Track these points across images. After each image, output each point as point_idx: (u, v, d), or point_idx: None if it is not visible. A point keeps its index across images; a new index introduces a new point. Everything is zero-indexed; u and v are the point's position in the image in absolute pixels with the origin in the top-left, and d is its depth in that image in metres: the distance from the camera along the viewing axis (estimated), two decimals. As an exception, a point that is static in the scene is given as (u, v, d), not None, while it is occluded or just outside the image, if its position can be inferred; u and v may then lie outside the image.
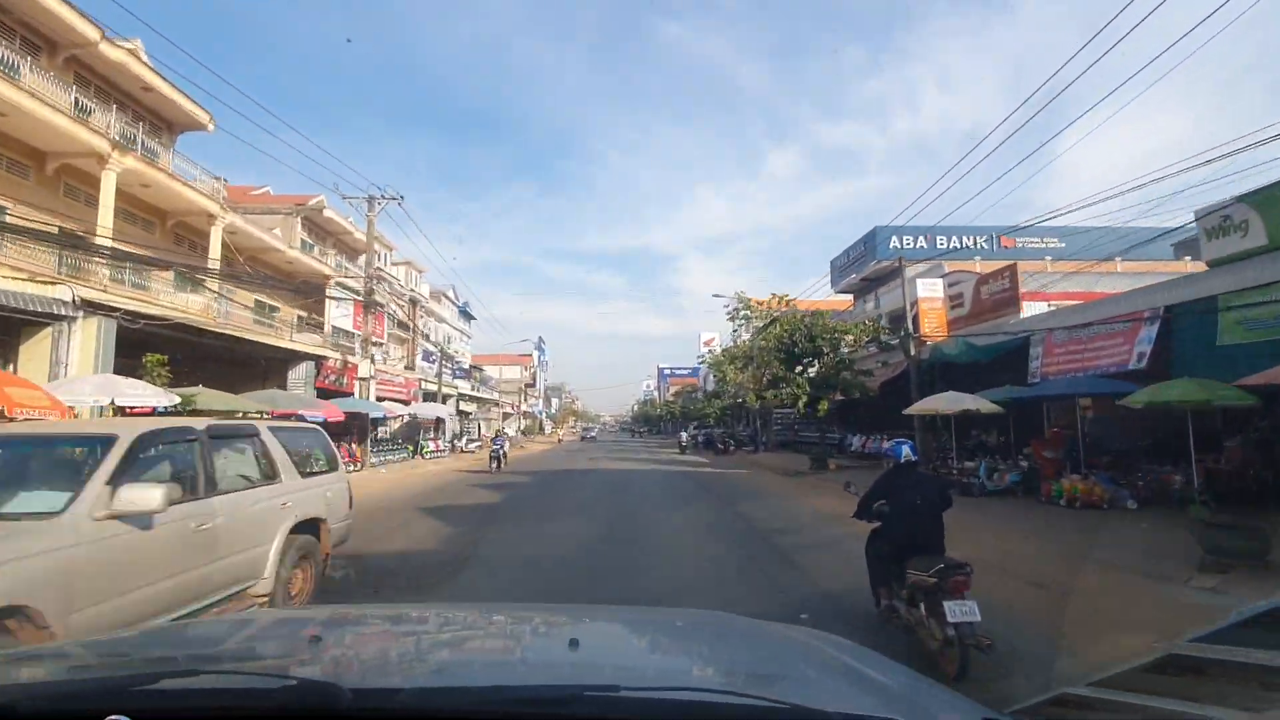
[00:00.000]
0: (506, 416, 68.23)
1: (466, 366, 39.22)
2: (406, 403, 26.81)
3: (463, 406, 40.99)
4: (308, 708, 1.08)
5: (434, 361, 30.99)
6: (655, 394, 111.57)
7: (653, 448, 47.30)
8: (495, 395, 48.49)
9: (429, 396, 29.89)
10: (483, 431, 42.39)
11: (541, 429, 74.75)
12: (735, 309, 28.97)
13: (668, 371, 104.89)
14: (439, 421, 29.68)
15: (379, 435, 27.48)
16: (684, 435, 41.27)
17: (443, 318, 58.07)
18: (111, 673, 1.46)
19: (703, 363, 39.01)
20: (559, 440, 53.55)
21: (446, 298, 61.21)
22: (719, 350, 39.97)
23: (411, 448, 25.69)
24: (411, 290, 49.37)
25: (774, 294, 28.19)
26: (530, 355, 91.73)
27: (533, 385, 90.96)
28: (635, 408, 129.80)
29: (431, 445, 27.13)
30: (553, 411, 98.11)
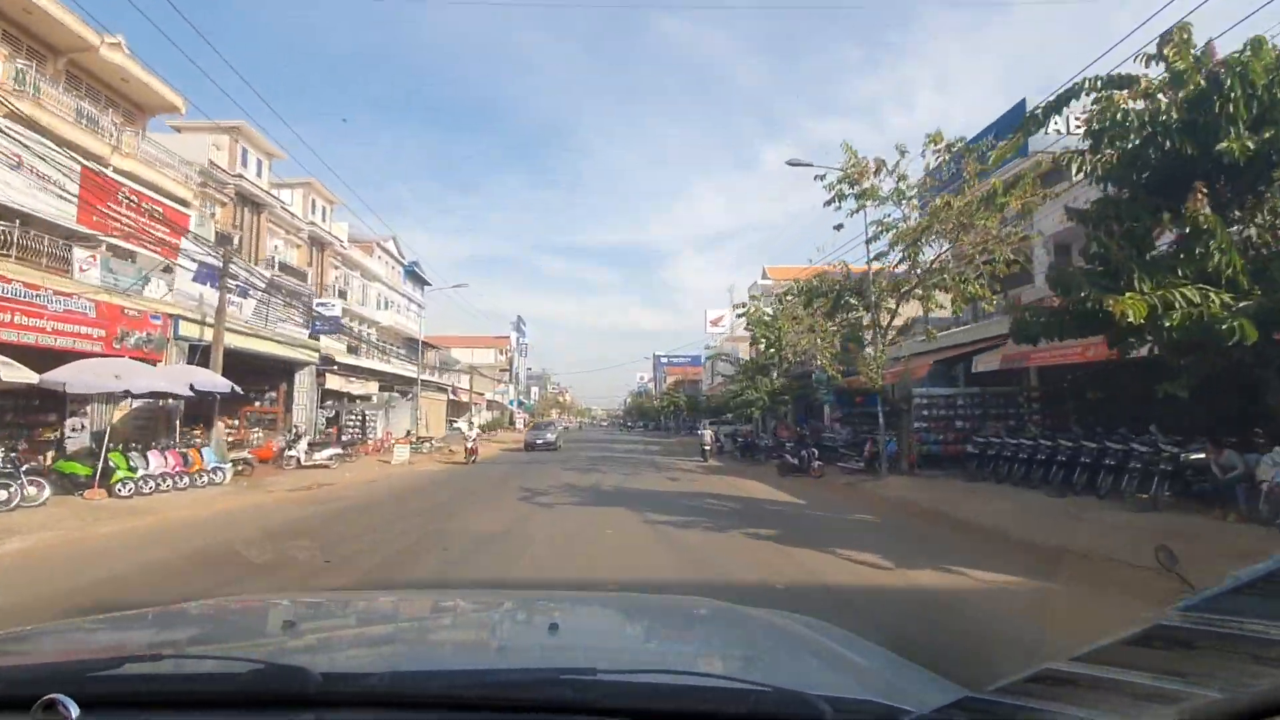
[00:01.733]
0: (460, 409, 52.59)
1: (335, 314, 23.31)
2: (74, 356, 11.23)
3: (345, 386, 25.49)
4: (274, 691, 1.04)
5: (219, 284, 15.07)
6: (651, 385, 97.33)
7: (655, 453, 31.59)
8: (415, 372, 32.35)
9: (202, 354, 14.37)
10: (383, 429, 26.59)
11: (512, 423, 59.41)
12: (846, 172, 13.73)
13: (665, 360, 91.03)
14: (212, 405, 14.14)
15: (61, 435, 12.02)
16: (707, 434, 26.20)
17: (375, 274, 42.74)
18: (72, 657, 1.37)
19: (742, 314, 23.73)
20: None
21: (384, 249, 45.55)
22: (760, 301, 24.59)
23: (85, 468, 10.39)
24: (312, 224, 33.79)
25: (931, 135, 13.02)
26: (507, 337, 77.05)
27: (509, 370, 76.14)
28: (629, 400, 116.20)
29: (153, 459, 11.55)
30: (531, 402, 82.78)
